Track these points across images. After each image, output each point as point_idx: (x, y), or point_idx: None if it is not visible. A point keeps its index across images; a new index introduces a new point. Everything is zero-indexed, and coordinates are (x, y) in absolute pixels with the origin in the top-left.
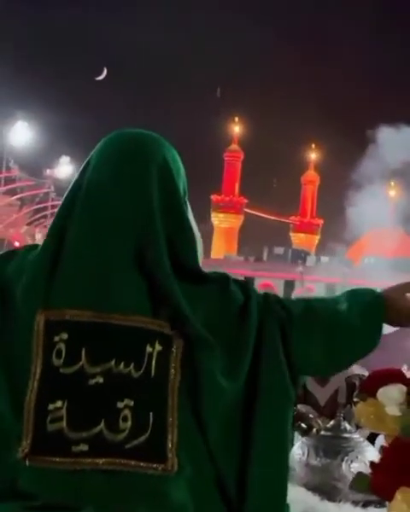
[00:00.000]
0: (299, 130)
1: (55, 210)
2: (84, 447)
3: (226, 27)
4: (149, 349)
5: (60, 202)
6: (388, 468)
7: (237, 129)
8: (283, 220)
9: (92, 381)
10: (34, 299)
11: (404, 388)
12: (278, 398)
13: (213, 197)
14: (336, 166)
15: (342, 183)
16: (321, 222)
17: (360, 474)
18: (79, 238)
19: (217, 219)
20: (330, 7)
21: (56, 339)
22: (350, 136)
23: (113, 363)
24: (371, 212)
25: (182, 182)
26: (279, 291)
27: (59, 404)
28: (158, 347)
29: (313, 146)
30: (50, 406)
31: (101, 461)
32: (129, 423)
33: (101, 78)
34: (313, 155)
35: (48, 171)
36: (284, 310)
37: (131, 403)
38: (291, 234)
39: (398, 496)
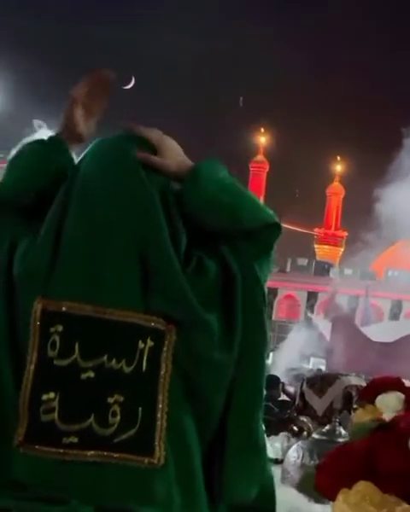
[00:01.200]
0: (324, 141)
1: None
2: (73, 439)
3: (252, 38)
4: (141, 345)
5: None
6: (331, 471)
7: (263, 139)
8: (307, 232)
9: (84, 376)
10: (33, 287)
11: (402, 396)
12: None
13: None
14: (362, 178)
15: (367, 195)
16: (345, 234)
17: (307, 475)
18: (76, 231)
19: None
20: (356, 16)
21: (52, 330)
22: (376, 149)
23: (105, 358)
24: (397, 223)
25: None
26: (302, 302)
27: (52, 395)
28: (150, 343)
29: (339, 158)
30: (44, 397)
31: (90, 453)
32: (118, 418)
33: (129, 87)
34: (338, 167)
35: None
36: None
37: (121, 398)
38: (315, 245)
39: (339, 497)
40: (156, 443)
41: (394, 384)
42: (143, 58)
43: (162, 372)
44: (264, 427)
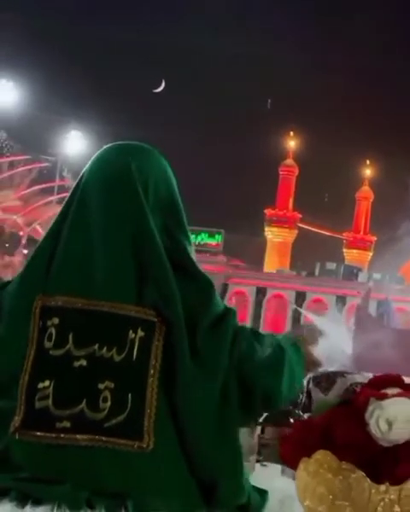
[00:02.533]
0: (354, 145)
1: None
2: (66, 424)
3: (281, 41)
4: (131, 335)
5: None
6: (293, 442)
7: (292, 143)
8: (336, 236)
9: (77, 364)
10: (34, 286)
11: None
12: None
13: (267, 211)
14: (391, 182)
15: (398, 199)
16: (374, 238)
17: (273, 447)
18: (73, 238)
19: (270, 233)
20: (382, 21)
21: (49, 323)
22: (406, 153)
23: (96, 347)
24: None
25: (171, 188)
26: (330, 306)
27: (47, 383)
28: (140, 333)
29: (368, 162)
30: (40, 385)
31: (81, 437)
32: (108, 403)
33: (159, 90)
34: (367, 171)
35: None
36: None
37: (112, 385)
38: (344, 250)
39: (300, 465)
40: (145, 428)
41: (393, 381)
42: (172, 61)
43: (152, 361)
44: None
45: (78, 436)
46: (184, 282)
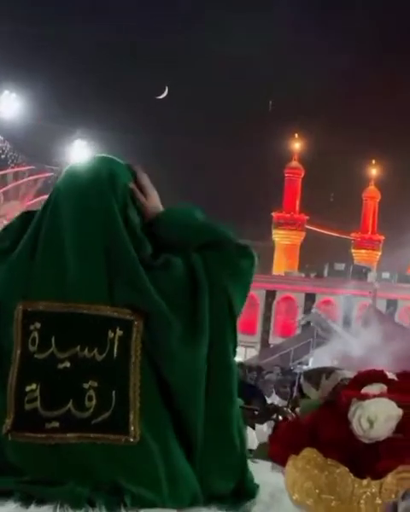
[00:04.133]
0: (359, 145)
1: None
2: (55, 424)
3: (284, 42)
4: (110, 334)
5: None
6: (281, 441)
7: (297, 145)
8: (344, 236)
9: (61, 366)
10: (15, 292)
11: (385, 387)
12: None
13: (274, 214)
14: (398, 181)
15: (404, 198)
16: (382, 238)
17: (261, 445)
18: (49, 242)
19: (278, 236)
20: (387, 19)
21: (31, 328)
22: None
23: (78, 348)
24: None
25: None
26: (340, 307)
27: (34, 386)
28: (119, 332)
29: (374, 162)
30: (27, 388)
31: (70, 435)
32: (94, 402)
33: (162, 96)
34: (373, 171)
35: None
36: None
37: (96, 384)
38: (353, 250)
39: (289, 462)
40: (131, 422)
41: (377, 376)
42: (175, 66)
43: (132, 358)
44: (247, 419)
45: (67, 435)
46: (156, 275)
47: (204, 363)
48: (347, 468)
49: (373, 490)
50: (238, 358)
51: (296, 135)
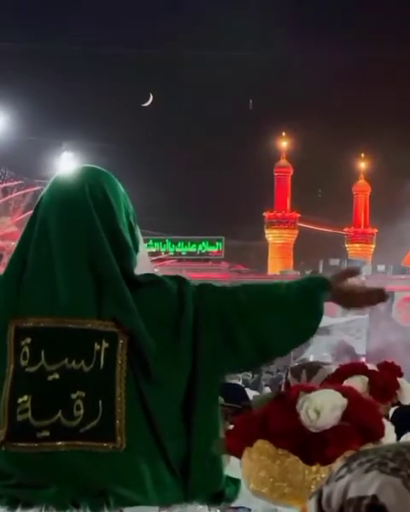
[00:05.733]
0: (347, 140)
1: None
2: (46, 433)
3: (269, 39)
4: (97, 347)
5: None
6: (236, 435)
7: (284, 144)
8: (337, 232)
9: (50, 378)
10: (7, 310)
11: (366, 379)
12: (211, 382)
13: (266, 214)
14: (387, 173)
15: (395, 190)
16: (375, 231)
17: (219, 440)
18: (37, 259)
19: (271, 236)
20: (370, 12)
21: (22, 343)
22: (400, 143)
23: (66, 361)
24: None
25: (122, 206)
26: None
27: (25, 397)
28: (105, 344)
29: (363, 155)
30: (19, 400)
31: (60, 444)
32: (82, 411)
33: (147, 104)
34: (362, 164)
35: None
36: (222, 294)
37: (83, 394)
38: (346, 245)
39: (245, 453)
40: (117, 430)
41: (359, 369)
42: (160, 72)
43: (118, 369)
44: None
45: (57, 443)
46: (142, 292)
47: (182, 382)
48: (297, 457)
49: (323, 475)
50: None
51: (284, 133)
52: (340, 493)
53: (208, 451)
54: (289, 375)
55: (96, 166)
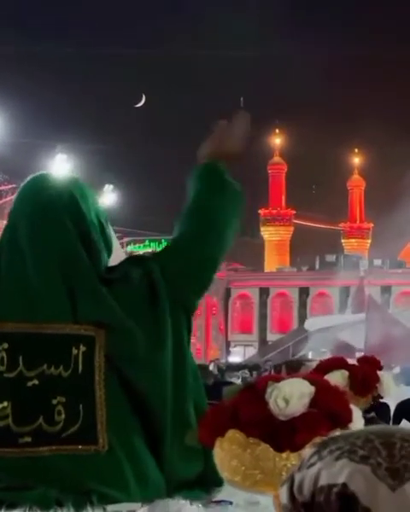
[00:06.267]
0: (340, 135)
1: None
2: (28, 439)
3: (261, 37)
4: (74, 351)
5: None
6: (208, 426)
7: (277, 141)
8: (333, 227)
9: (30, 383)
10: None
11: (346, 373)
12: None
13: (261, 211)
14: (382, 168)
15: (390, 184)
16: (371, 225)
17: (192, 431)
18: (10, 264)
19: (267, 233)
20: (361, 6)
21: (0, 348)
22: (394, 138)
23: (45, 366)
24: None
25: (91, 207)
26: (335, 298)
27: (5, 404)
28: (83, 348)
29: (357, 150)
30: None
31: (43, 449)
32: (63, 416)
33: (140, 105)
34: (356, 159)
35: None
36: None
37: (63, 399)
38: (342, 240)
39: (217, 443)
40: (99, 433)
41: (339, 363)
42: (150, 72)
43: (97, 372)
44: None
45: (40, 448)
46: (116, 289)
47: (171, 365)
48: (268, 445)
49: (293, 461)
50: (238, 358)
51: (277, 130)
52: (311, 481)
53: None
54: (273, 372)
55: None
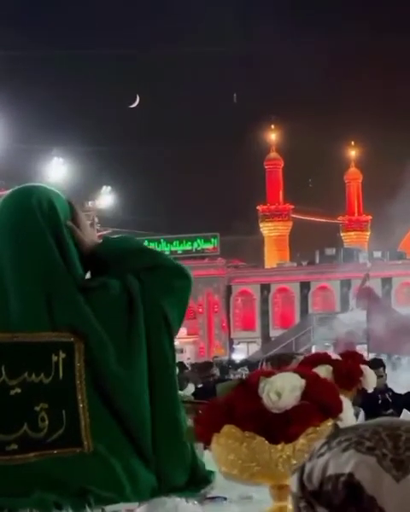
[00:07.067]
0: (336, 128)
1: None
2: (14, 446)
3: (254, 31)
4: (54, 358)
5: (105, 233)
6: (204, 422)
7: (273, 136)
8: (331, 221)
9: (12, 392)
10: None
11: (330, 368)
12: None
13: (259, 207)
14: (378, 160)
15: (387, 176)
16: (369, 218)
17: (189, 428)
18: None
19: (266, 229)
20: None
21: None
22: (390, 129)
23: (26, 374)
24: None
25: (64, 216)
26: (336, 292)
27: None
28: (62, 355)
29: (353, 143)
30: None
31: (30, 455)
32: (46, 422)
33: (134, 105)
34: (353, 152)
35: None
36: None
37: (46, 405)
38: (342, 233)
39: (214, 439)
40: (83, 436)
41: (323, 358)
42: (145, 73)
43: (77, 378)
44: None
45: (27, 455)
46: (92, 296)
47: (143, 378)
48: (263, 438)
49: (288, 453)
50: (242, 355)
51: (272, 126)
52: (320, 470)
53: (171, 438)
54: (264, 365)
55: (41, 184)
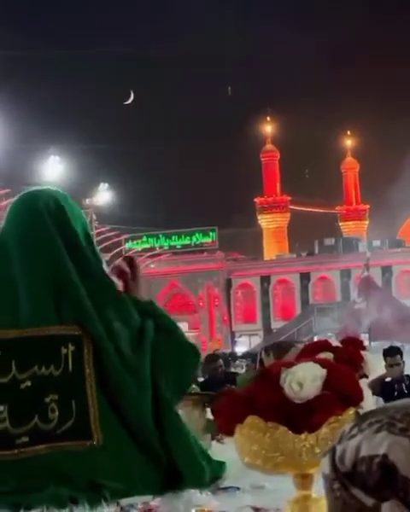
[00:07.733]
0: (331, 118)
1: (100, 238)
2: (25, 439)
3: (248, 21)
4: (63, 350)
5: (103, 230)
6: (225, 414)
7: (269, 128)
8: (329, 211)
9: (23, 386)
10: None
11: (331, 355)
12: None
13: (257, 200)
14: (374, 148)
15: (384, 164)
16: (367, 207)
17: (209, 422)
18: (0, 276)
19: (264, 221)
20: None
21: None
22: (385, 118)
23: (36, 367)
24: None
25: (79, 221)
26: (336, 281)
27: (1, 408)
28: (71, 347)
29: (348, 132)
30: None
31: (40, 447)
32: (56, 413)
33: (128, 102)
34: (349, 142)
35: (87, 201)
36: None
37: (56, 397)
38: (340, 223)
39: (236, 430)
40: (92, 428)
41: (323, 346)
42: (139, 69)
43: (87, 370)
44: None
45: (37, 447)
46: (99, 299)
47: (146, 385)
48: (286, 428)
49: (311, 442)
50: (244, 348)
51: (268, 118)
52: (353, 452)
53: (182, 443)
54: (263, 354)
55: (49, 187)
